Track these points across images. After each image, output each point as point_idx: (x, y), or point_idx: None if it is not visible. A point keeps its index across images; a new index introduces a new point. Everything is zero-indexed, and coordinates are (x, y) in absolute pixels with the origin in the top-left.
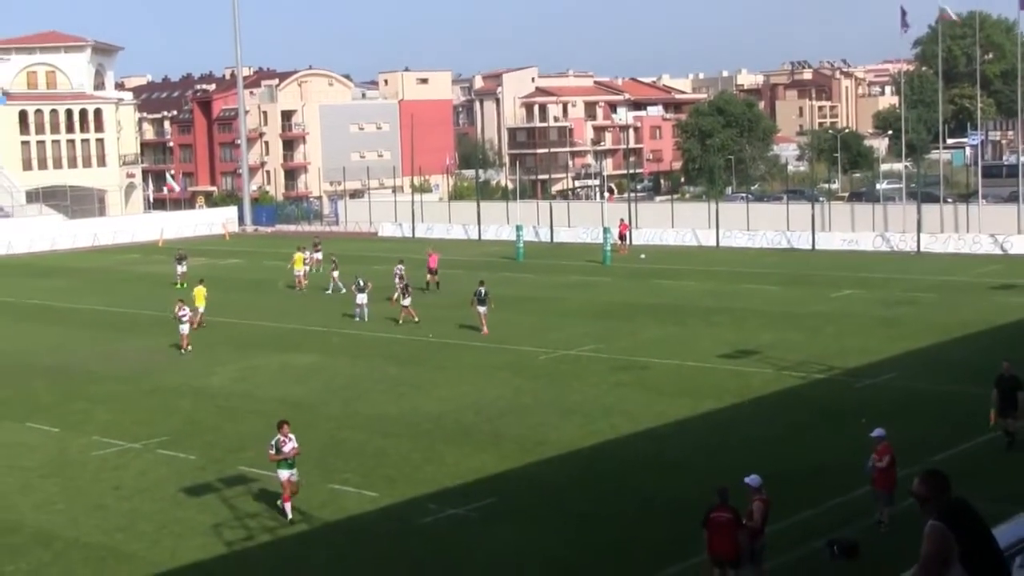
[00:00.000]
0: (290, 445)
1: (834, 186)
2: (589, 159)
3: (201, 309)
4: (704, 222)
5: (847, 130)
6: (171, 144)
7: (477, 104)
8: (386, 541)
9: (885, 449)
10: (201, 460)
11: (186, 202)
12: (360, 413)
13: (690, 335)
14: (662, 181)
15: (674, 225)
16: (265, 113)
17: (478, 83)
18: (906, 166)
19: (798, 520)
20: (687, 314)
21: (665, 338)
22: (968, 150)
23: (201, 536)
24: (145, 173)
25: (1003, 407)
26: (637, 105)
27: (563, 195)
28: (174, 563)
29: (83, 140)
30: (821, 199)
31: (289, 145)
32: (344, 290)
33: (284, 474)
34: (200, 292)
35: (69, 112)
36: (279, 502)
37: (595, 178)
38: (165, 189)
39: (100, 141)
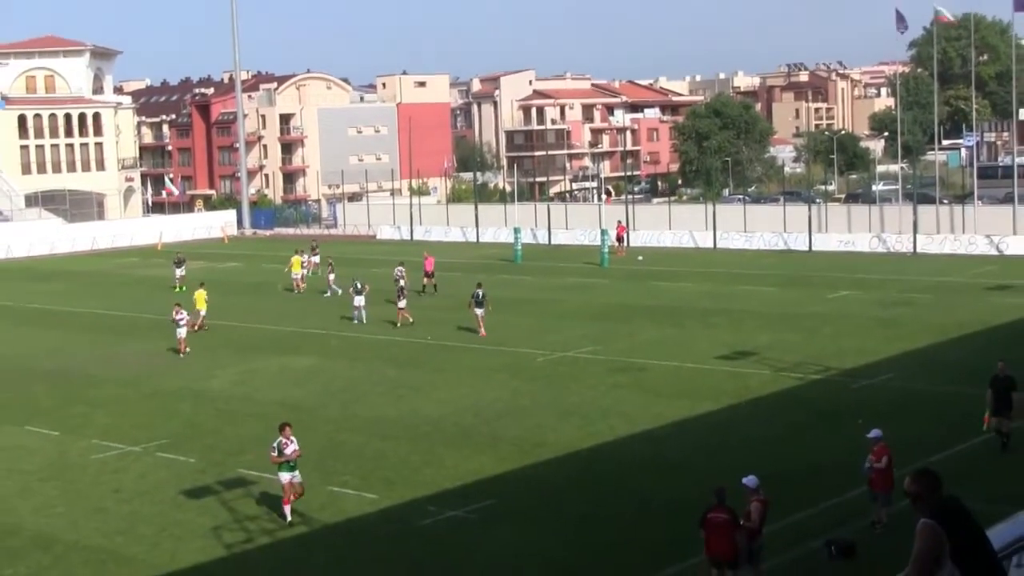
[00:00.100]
0: (292, 447)
1: (830, 187)
2: (586, 161)
3: (203, 312)
4: (701, 224)
5: (843, 132)
6: (170, 148)
7: (475, 107)
8: (385, 543)
9: (882, 450)
10: (201, 463)
11: (185, 206)
12: (359, 415)
13: (688, 336)
14: (659, 183)
15: (671, 227)
16: (263, 116)
17: (476, 86)
18: (902, 167)
19: (796, 520)
20: (684, 316)
21: (663, 340)
22: (963, 151)
23: (201, 539)
24: (144, 177)
25: (998, 407)
26: (634, 107)
27: (561, 197)
28: (174, 566)
29: (82, 144)
30: (818, 201)
31: (287, 148)
32: (340, 292)
33: (285, 477)
34: (200, 295)
35: (68, 116)
36: (293, 502)
37: (592, 180)
38: (164, 193)
39: (99, 145)
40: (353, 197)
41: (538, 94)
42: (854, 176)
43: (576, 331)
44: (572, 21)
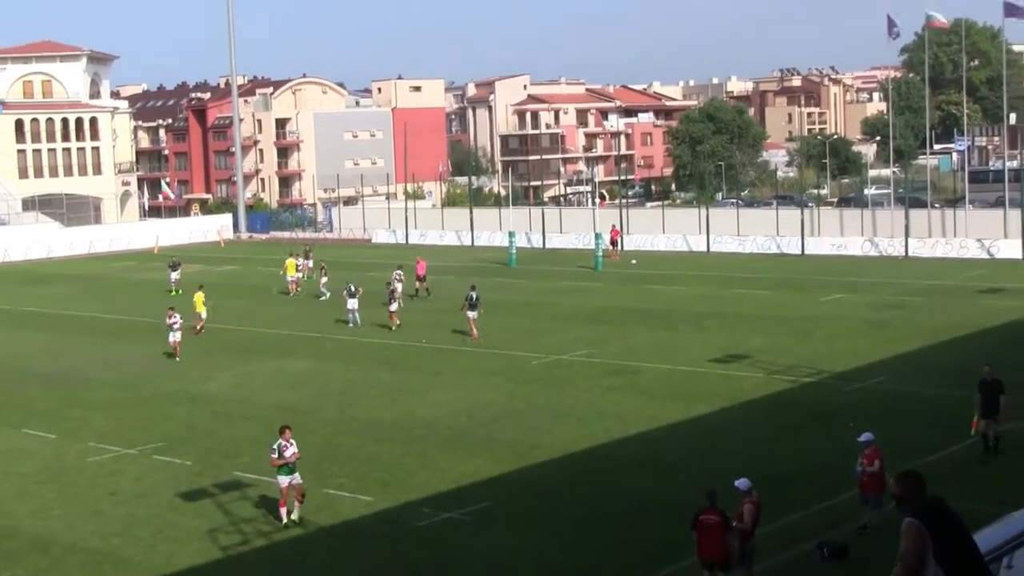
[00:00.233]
0: (291, 450)
1: (823, 192)
2: (581, 165)
3: (203, 315)
4: (695, 228)
5: (836, 136)
6: (166, 152)
7: (470, 111)
8: (381, 545)
9: (873, 454)
10: (197, 465)
11: (181, 209)
12: (354, 418)
13: (681, 340)
14: (653, 187)
15: (665, 231)
16: (259, 121)
17: (471, 91)
18: (894, 172)
19: (788, 522)
20: (678, 319)
21: (656, 343)
22: (955, 156)
23: (197, 541)
24: (140, 181)
25: (986, 410)
26: (628, 112)
27: (555, 201)
28: (170, 568)
29: (79, 148)
30: (810, 204)
31: (283, 153)
32: (328, 295)
33: (284, 480)
34: (199, 298)
35: (65, 121)
36: (296, 506)
37: (587, 184)
38: (160, 197)
39: (96, 149)
40: (349, 201)
41: (533, 99)
42: (846, 180)
43: (570, 334)
44: (567, 26)
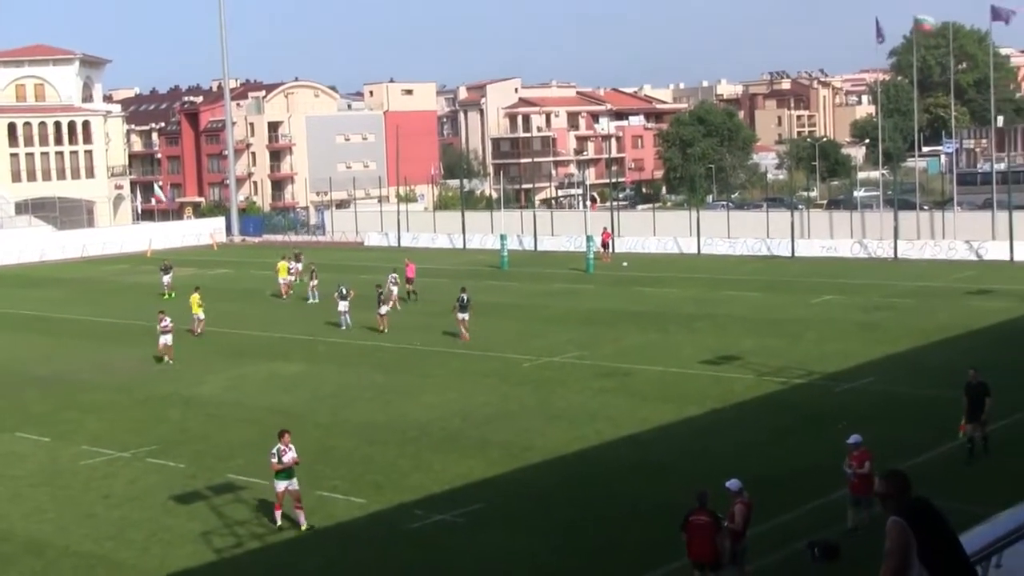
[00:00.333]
0: (290, 455)
1: (813, 194)
2: (572, 168)
3: (201, 316)
4: (685, 230)
5: (825, 139)
6: (159, 155)
7: (461, 115)
8: (374, 547)
9: (863, 455)
10: (191, 468)
11: (174, 213)
12: (348, 421)
13: (672, 341)
14: (644, 190)
15: (656, 233)
16: (252, 124)
17: (462, 94)
18: (883, 174)
19: (780, 522)
20: (669, 321)
21: (648, 345)
22: (943, 158)
23: (191, 544)
24: (133, 184)
25: (972, 413)
26: (619, 115)
27: (547, 204)
28: (164, 571)
29: (71, 152)
30: (800, 207)
31: (276, 156)
32: (317, 299)
33: (281, 485)
34: (195, 299)
35: (58, 124)
36: (298, 513)
37: (578, 187)
38: (153, 200)
39: (88, 153)
40: (341, 204)
41: (524, 102)
42: (836, 183)
43: (562, 336)
44: (558, 30)
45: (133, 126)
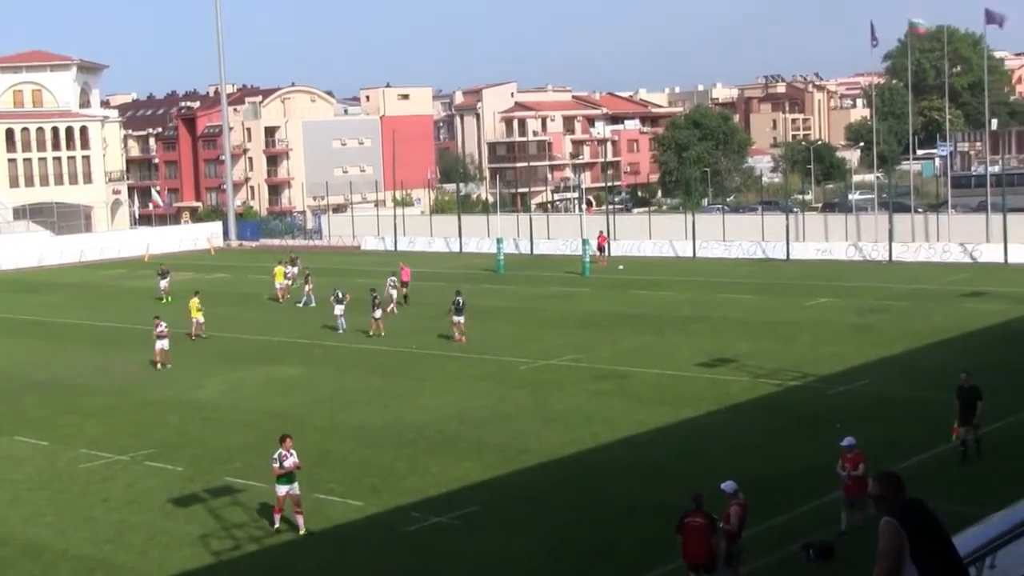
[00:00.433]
0: (291, 460)
1: (808, 197)
2: (568, 172)
3: (201, 320)
4: (681, 233)
5: (820, 142)
6: (156, 161)
7: (457, 119)
8: (371, 549)
9: (857, 457)
10: (188, 471)
11: (171, 218)
12: (345, 424)
13: (668, 344)
14: (639, 193)
15: (651, 236)
16: (249, 129)
17: (458, 98)
18: (878, 177)
19: (775, 524)
20: (665, 324)
21: (644, 347)
22: (938, 161)
23: (189, 546)
24: (131, 189)
25: (964, 416)
26: (615, 119)
27: (543, 208)
28: (162, 573)
29: (69, 157)
30: (795, 210)
31: (273, 161)
32: (313, 303)
33: (282, 489)
34: (194, 303)
35: (55, 130)
36: (297, 517)
37: (574, 191)
38: (151, 205)
39: (86, 158)
40: (338, 208)
41: (520, 106)
42: (831, 186)
43: (558, 339)
44: (553, 34)
45: (130, 131)
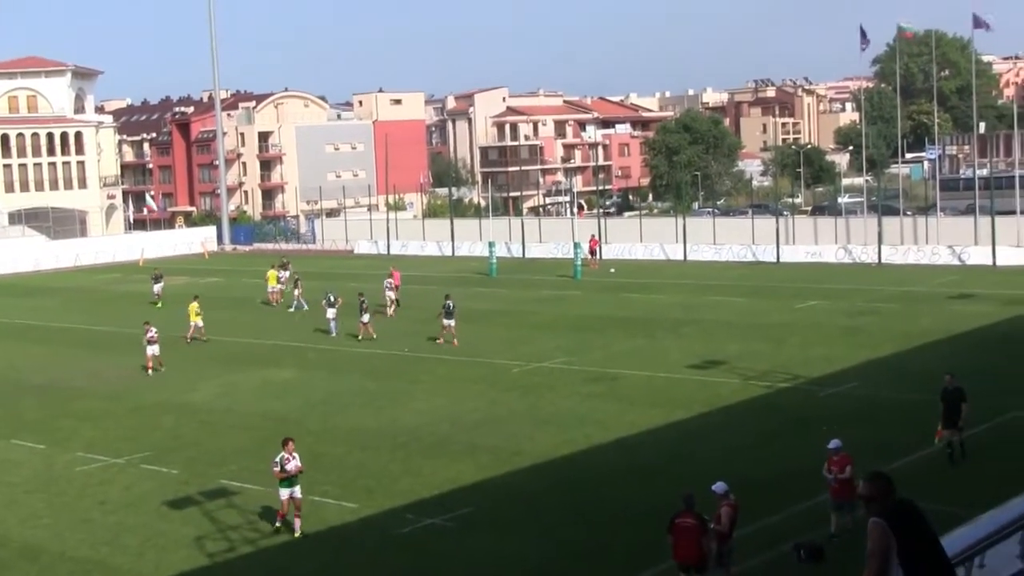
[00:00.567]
0: (293, 463)
1: (797, 200)
2: (559, 176)
3: (200, 324)
4: (672, 237)
5: (809, 146)
6: (151, 166)
7: (449, 124)
8: (366, 551)
9: (844, 460)
10: (184, 474)
11: (166, 222)
12: (339, 426)
13: (659, 347)
14: (631, 197)
15: (643, 240)
16: (242, 134)
17: (450, 103)
18: (867, 180)
19: (766, 524)
20: (656, 326)
21: (635, 350)
22: (926, 164)
23: (185, 548)
24: (125, 194)
25: (949, 418)
26: (606, 123)
27: (534, 212)
28: (158, 575)
29: (64, 163)
30: (785, 213)
31: (266, 165)
32: (306, 307)
33: (284, 492)
34: (193, 307)
35: (50, 135)
36: (295, 520)
37: (565, 195)
38: (145, 210)
39: (81, 163)
40: (331, 213)
41: (511, 111)
42: (820, 189)
43: (550, 342)
44: (544, 40)
45: (125, 137)
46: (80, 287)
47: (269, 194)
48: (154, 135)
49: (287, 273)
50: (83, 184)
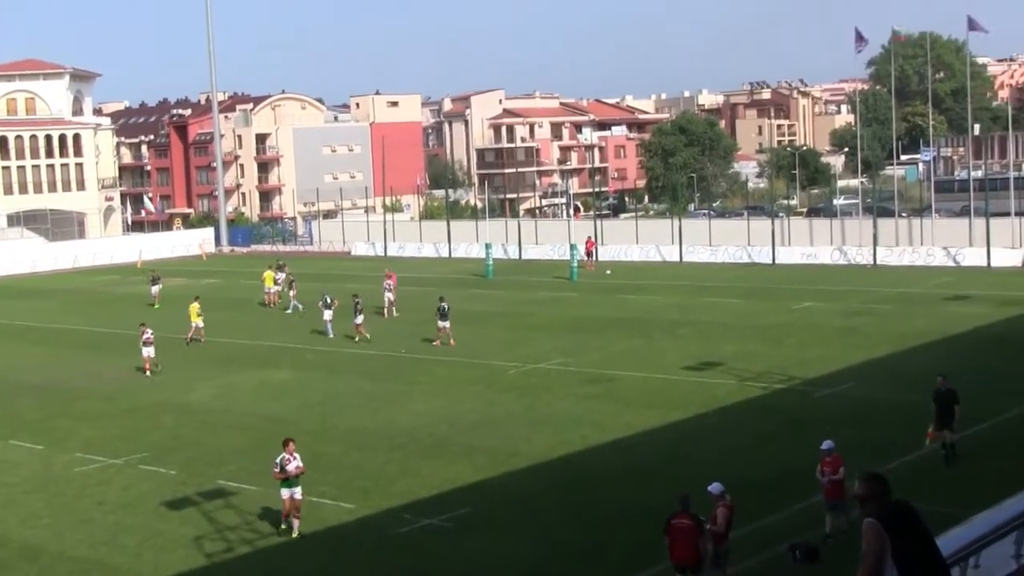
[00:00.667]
0: (294, 464)
1: (793, 202)
2: (556, 178)
3: (200, 325)
4: (668, 238)
5: (805, 147)
6: (148, 168)
7: (446, 126)
8: (364, 551)
9: (836, 461)
10: (182, 475)
11: (164, 224)
12: (336, 427)
13: (656, 348)
14: (627, 199)
15: (639, 241)
16: (240, 136)
17: (447, 105)
18: (862, 182)
19: (762, 525)
20: (652, 328)
21: (632, 351)
22: (921, 166)
23: (183, 548)
24: (123, 196)
25: (941, 420)
26: (602, 125)
27: (531, 213)
28: (157, 575)
29: (62, 165)
30: (781, 215)
31: (264, 167)
32: (302, 308)
33: (286, 493)
34: (194, 308)
35: (48, 137)
36: (294, 521)
37: (562, 196)
38: (143, 211)
39: (79, 165)
40: (328, 214)
41: (508, 113)
42: (816, 191)
43: (547, 344)
44: (541, 42)
45: (123, 139)
46: (78, 288)
47: (266, 196)
48: (152, 137)
49: (283, 275)
50: (81, 186)
